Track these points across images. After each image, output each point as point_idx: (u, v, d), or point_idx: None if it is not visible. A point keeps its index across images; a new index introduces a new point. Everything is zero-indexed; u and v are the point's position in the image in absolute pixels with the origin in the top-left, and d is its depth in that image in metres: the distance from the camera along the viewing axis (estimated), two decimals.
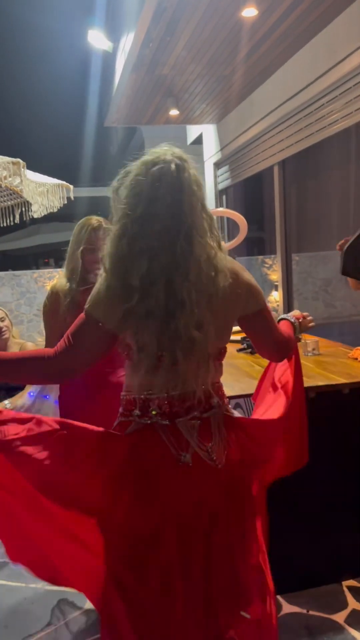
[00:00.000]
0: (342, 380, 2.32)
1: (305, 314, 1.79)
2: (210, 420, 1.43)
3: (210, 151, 7.30)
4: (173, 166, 1.30)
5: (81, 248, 2.36)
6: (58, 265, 13.60)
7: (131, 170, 1.35)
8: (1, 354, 1.39)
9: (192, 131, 7.83)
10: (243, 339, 3.06)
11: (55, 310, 2.36)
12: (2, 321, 3.27)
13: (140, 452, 1.35)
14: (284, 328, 1.66)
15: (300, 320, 1.76)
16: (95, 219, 2.40)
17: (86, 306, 1.36)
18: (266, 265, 9.24)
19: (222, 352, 1.46)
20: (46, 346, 2.32)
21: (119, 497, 1.34)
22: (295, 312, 1.80)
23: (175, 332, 1.29)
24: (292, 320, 1.73)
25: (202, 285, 1.31)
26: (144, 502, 1.34)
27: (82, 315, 1.36)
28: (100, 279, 1.37)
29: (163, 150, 1.34)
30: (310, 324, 1.78)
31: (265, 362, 2.73)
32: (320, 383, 2.30)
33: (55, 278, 5.83)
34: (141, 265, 1.29)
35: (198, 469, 1.36)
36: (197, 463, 1.36)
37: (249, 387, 2.23)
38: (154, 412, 1.37)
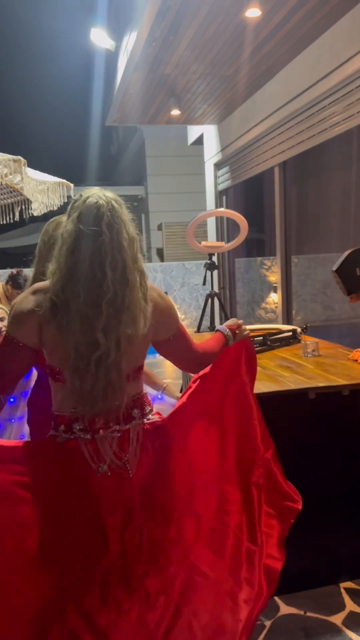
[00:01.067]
0: (342, 381, 2.31)
1: (240, 322, 1.83)
2: (129, 431, 1.52)
3: (211, 152, 7.30)
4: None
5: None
6: None
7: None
8: None
9: (193, 131, 7.82)
10: None
11: None
12: (2, 321, 3.25)
13: (63, 463, 1.46)
14: (213, 341, 1.74)
15: (236, 330, 1.80)
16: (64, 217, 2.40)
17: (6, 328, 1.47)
18: (265, 267, 9.24)
19: (139, 369, 1.56)
20: None
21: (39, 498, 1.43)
22: (231, 322, 1.83)
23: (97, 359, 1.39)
24: (226, 332, 1.78)
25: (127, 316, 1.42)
26: (62, 504, 1.44)
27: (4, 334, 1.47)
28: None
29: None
30: (245, 332, 1.82)
31: (266, 362, 2.73)
32: (321, 384, 2.29)
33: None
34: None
35: (115, 476, 1.47)
36: (114, 472, 1.47)
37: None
38: (77, 428, 1.47)
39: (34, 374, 2.17)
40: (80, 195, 1.44)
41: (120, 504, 1.48)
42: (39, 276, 1.81)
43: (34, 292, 1.43)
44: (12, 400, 2.71)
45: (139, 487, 1.51)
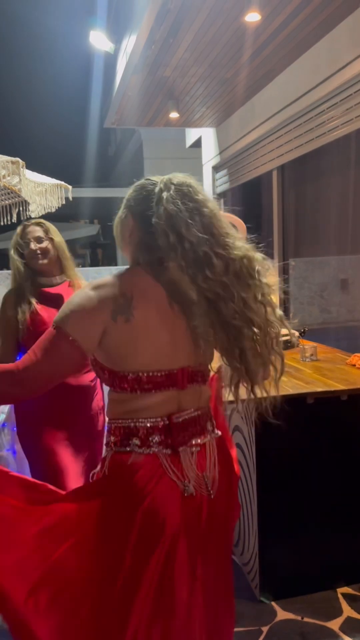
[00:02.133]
0: (340, 386, 2.31)
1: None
2: (206, 446, 1.39)
3: (209, 154, 7.30)
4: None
5: (17, 247, 2.42)
6: None
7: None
8: None
9: (192, 134, 7.82)
10: None
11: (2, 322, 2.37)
12: None
13: (148, 487, 1.28)
14: None
15: None
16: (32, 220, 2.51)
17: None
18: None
19: (210, 369, 1.45)
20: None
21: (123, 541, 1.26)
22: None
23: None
24: None
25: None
26: (150, 541, 1.27)
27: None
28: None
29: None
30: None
31: None
32: (319, 389, 2.29)
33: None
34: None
35: (198, 498, 1.33)
36: (197, 492, 1.33)
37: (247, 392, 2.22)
38: (155, 440, 1.30)
39: None
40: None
41: (192, 535, 1.33)
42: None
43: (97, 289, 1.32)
44: None
45: (215, 514, 1.38)
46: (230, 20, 3.76)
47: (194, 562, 1.33)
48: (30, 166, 3.23)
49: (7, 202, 3.79)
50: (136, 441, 1.30)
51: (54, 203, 3.57)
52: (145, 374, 1.29)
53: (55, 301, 2.36)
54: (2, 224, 3.70)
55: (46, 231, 2.44)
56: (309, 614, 2.30)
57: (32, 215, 3.54)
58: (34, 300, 2.35)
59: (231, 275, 1.28)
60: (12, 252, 2.44)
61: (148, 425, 1.30)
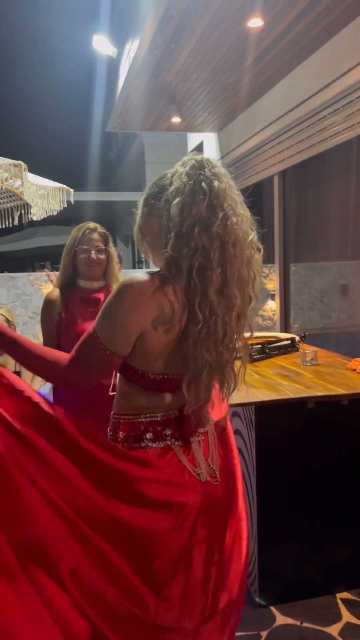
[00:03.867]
0: (341, 391, 2.31)
1: None
2: (207, 434, 1.42)
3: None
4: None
5: (75, 248, 2.41)
6: (54, 268, 13.58)
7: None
8: (29, 343, 1.34)
9: (193, 139, 7.85)
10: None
11: (48, 320, 2.42)
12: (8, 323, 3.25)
13: (168, 470, 1.31)
14: None
15: None
16: (92, 223, 2.46)
17: (96, 323, 1.29)
18: (262, 274, 9.25)
19: None
20: None
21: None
22: None
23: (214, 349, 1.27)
24: None
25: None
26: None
27: (91, 332, 1.29)
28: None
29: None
30: None
31: (265, 371, 2.73)
32: (319, 393, 2.29)
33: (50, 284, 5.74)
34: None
35: (208, 485, 1.36)
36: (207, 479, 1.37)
37: (249, 395, 2.23)
38: (168, 433, 1.33)
39: None
40: None
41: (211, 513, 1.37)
42: None
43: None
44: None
45: (222, 497, 1.42)
46: (233, 26, 3.79)
47: (211, 547, 1.37)
48: (32, 169, 3.24)
49: (8, 204, 3.80)
50: (149, 435, 1.32)
51: (55, 206, 3.58)
52: (167, 376, 1.32)
53: (93, 304, 2.40)
54: (3, 226, 3.71)
55: (106, 242, 2.46)
56: (308, 619, 2.29)
57: (34, 219, 3.55)
58: (73, 302, 2.41)
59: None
60: (67, 251, 2.44)
61: (161, 419, 1.33)
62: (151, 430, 1.33)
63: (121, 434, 1.35)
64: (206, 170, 1.25)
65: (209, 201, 1.22)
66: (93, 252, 2.40)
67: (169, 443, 1.33)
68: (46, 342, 2.42)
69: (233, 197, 1.28)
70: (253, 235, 1.31)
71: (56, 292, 2.45)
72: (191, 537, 1.32)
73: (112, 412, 1.40)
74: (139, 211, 1.36)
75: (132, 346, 1.28)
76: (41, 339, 2.47)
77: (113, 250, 2.51)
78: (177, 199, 1.23)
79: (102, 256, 2.43)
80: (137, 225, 1.37)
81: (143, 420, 1.33)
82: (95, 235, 2.42)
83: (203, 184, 1.23)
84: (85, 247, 2.40)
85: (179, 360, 1.29)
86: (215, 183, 1.24)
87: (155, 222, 1.31)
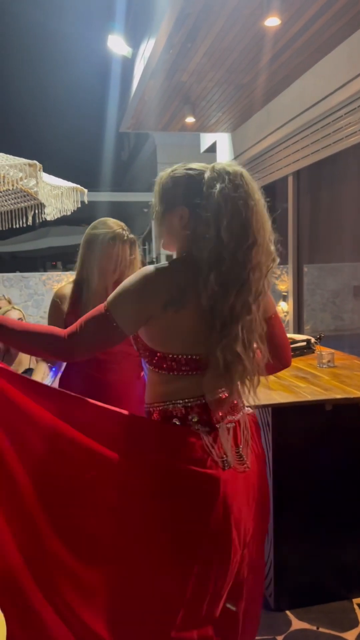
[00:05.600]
0: (359, 393, 2.28)
1: None
2: (239, 422, 1.43)
3: (224, 160, 7.30)
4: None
5: (104, 260, 2.18)
6: (66, 268, 13.61)
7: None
8: (19, 323, 1.40)
9: (206, 139, 7.83)
10: None
11: (55, 315, 2.29)
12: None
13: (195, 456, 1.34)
14: None
15: None
16: (125, 231, 2.20)
17: (109, 299, 1.35)
18: (274, 275, 9.19)
19: None
20: None
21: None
22: None
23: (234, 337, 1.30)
24: None
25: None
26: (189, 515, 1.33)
27: (101, 306, 1.35)
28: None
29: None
30: None
31: (281, 372, 2.70)
32: (338, 396, 2.26)
33: (63, 281, 5.74)
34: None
35: (234, 473, 1.38)
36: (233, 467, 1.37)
37: (266, 397, 2.20)
38: (194, 420, 1.36)
39: None
40: None
41: (231, 512, 1.38)
42: None
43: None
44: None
45: (256, 488, 1.45)
46: (249, 25, 3.76)
47: (243, 533, 1.38)
48: (46, 169, 3.24)
49: (22, 204, 3.80)
50: (176, 422, 1.36)
51: (69, 206, 3.58)
52: (184, 357, 1.34)
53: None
54: (17, 226, 3.72)
55: (132, 252, 2.25)
56: (324, 624, 2.26)
57: (48, 219, 3.54)
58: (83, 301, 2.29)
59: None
60: (85, 251, 2.24)
61: (188, 405, 1.36)
62: (178, 415, 1.36)
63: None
64: (241, 190, 1.31)
65: (244, 221, 1.30)
66: (119, 270, 2.20)
67: (196, 428, 1.35)
68: None
69: (263, 214, 1.36)
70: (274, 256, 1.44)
71: (67, 288, 2.31)
72: (206, 527, 1.33)
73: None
74: (155, 208, 1.45)
75: (138, 327, 1.35)
76: None
77: (138, 257, 2.28)
78: (224, 222, 1.28)
79: (128, 271, 2.19)
80: (157, 219, 1.45)
81: (169, 407, 1.37)
82: (127, 249, 2.20)
83: (240, 204, 1.30)
84: (113, 262, 2.18)
85: (197, 341, 1.32)
86: (251, 203, 1.31)
87: (175, 221, 1.41)
